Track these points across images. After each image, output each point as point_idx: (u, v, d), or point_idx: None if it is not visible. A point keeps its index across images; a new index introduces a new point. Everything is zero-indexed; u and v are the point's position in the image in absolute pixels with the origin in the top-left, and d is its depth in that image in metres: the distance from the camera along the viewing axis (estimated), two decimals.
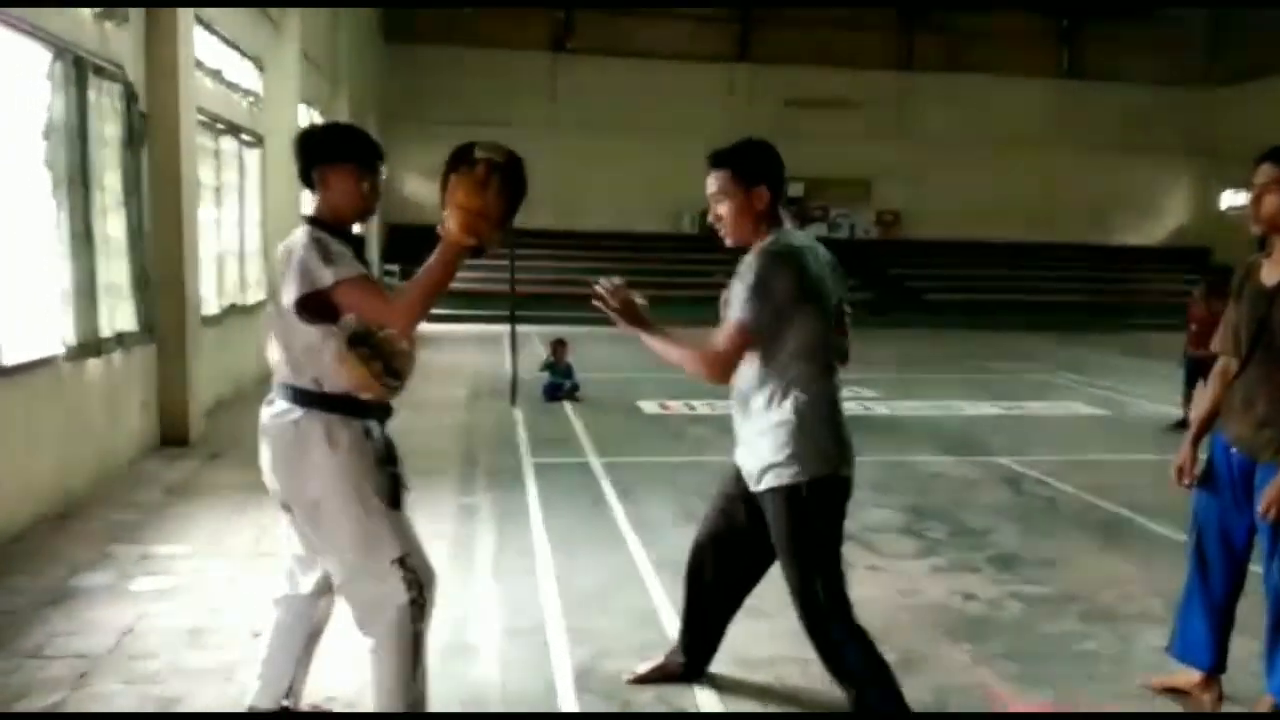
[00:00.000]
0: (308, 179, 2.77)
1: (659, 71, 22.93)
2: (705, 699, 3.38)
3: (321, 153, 2.74)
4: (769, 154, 2.99)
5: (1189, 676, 3.45)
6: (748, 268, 2.88)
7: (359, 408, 2.69)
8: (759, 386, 2.92)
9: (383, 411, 2.77)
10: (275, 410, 2.72)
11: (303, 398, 2.66)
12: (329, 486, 2.65)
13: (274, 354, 2.72)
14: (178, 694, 3.30)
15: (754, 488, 2.98)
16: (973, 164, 24.06)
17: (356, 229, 2.83)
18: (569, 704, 3.33)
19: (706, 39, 23.94)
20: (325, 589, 2.91)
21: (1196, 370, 8.45)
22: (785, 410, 2.88)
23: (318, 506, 2.68)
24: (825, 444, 2.89)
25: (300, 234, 2.67)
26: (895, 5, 24.07)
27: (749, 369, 2.93)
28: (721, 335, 2.88)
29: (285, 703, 2.97)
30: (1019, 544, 5.30)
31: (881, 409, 9.80)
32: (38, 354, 5.30)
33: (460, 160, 2.54)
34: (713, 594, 3.34)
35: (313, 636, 3.00)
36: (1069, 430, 9.10)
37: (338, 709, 3.21)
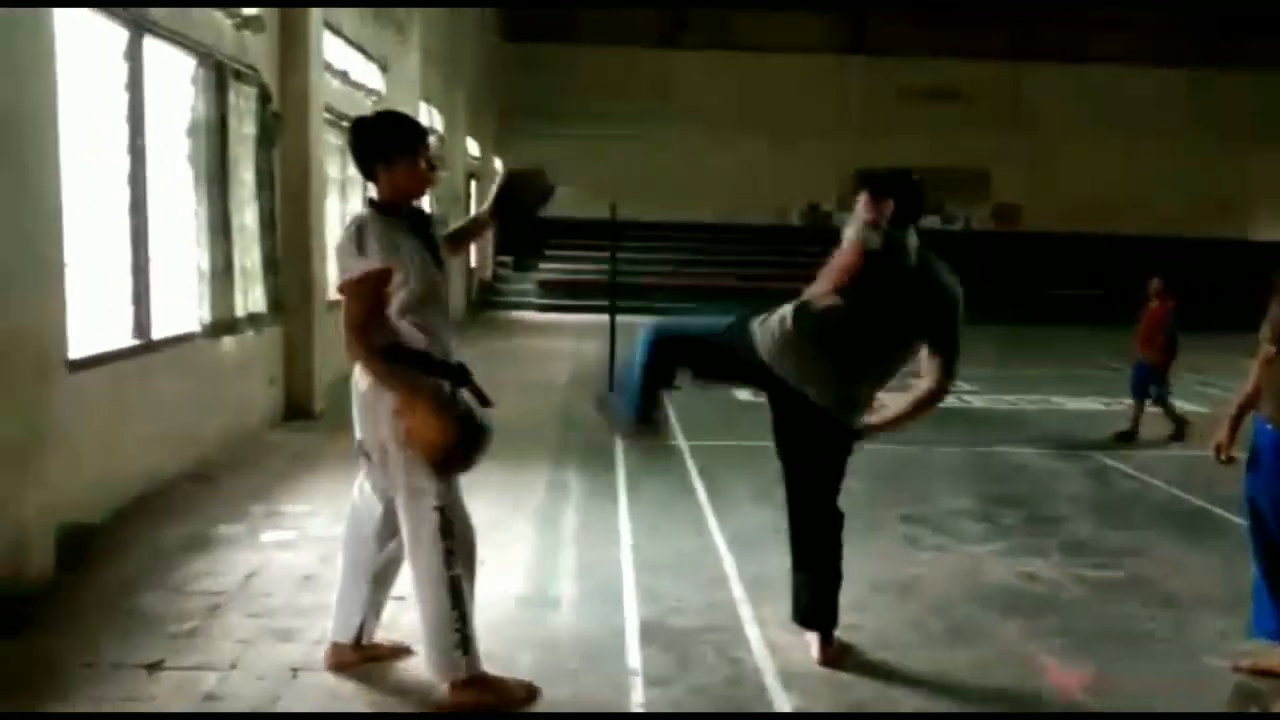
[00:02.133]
0: (369, 169, 3.09)
1: (771, 65, 22.99)
2: (761, 658, 3.65)
3: (385, 143, 3.05)
4: (919, 192, 3.53)
5: (1275, 658, 3.54)
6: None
7: (433, 366, 3.04)
8: None
9: (455, 372, 3.09)
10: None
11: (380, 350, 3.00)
12: (394, 431, 2.99)
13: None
14: (290, 627, 3.76)
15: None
16: (1096, 155, 23.32)
17: (424, 206, 3.23)
18: (634, 653, 3.65)
19: (819, 31, 23.86)
20: (388, 534, 3.26)
21: (1147, 377, 7.97)
22: None
23: (386, 450, 3.05)
24: None
25: (354, 221, 3.03)
26: None
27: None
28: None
29: (359, 639, 3.36)
30: (1092, 532, 5.38)
31: (977, 402, 9.80)
32: (179, 330, 5.92)
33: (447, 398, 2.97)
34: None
35: (379, 578, 3.35)
36: (1167, 426, 8.92)
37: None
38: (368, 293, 2.96)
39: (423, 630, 3.14)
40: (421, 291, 3.02)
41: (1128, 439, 7.88)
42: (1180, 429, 7.98)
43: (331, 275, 9.01)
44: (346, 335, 2.97)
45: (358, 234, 2.96)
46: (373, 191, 3.19)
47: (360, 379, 3.11)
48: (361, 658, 3.41)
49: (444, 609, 3.06)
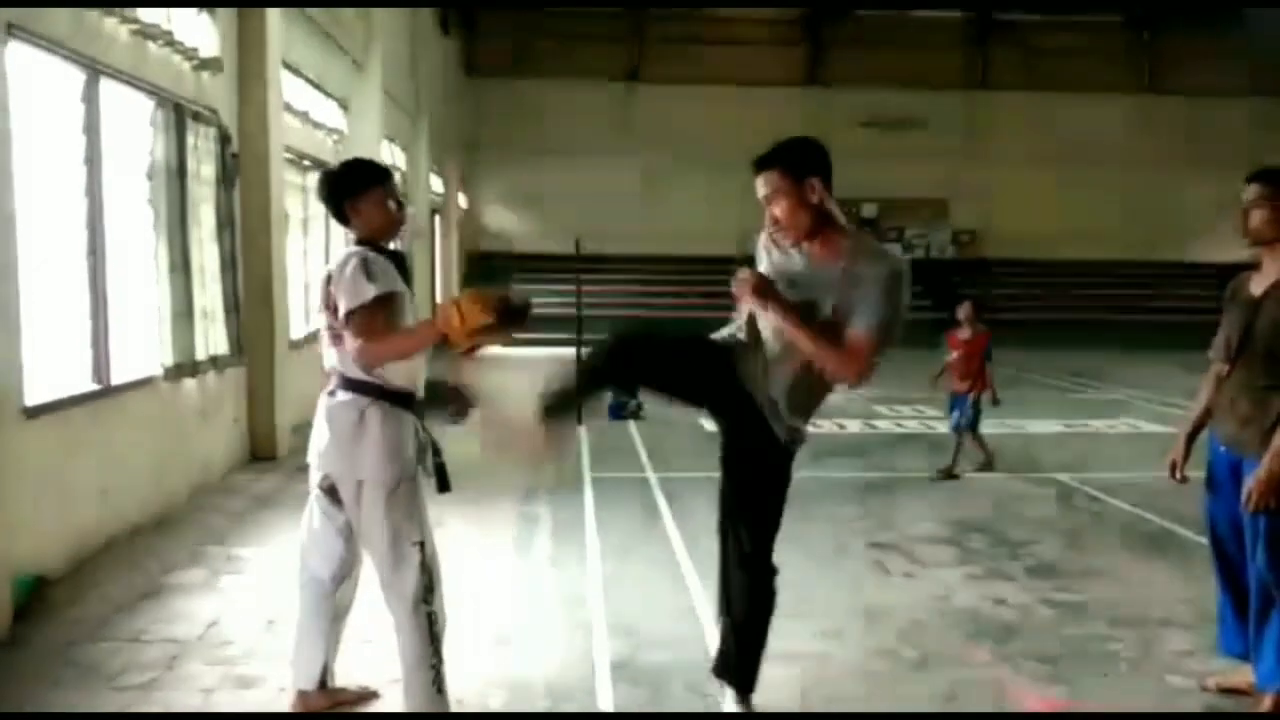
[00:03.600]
0: (340, 214, 3.19)
1: (729, 98, 23.25)
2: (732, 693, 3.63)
3: (350, 186, 3.16)
4: (813, 146, 3.04)
5: (1246, 676, 3.56)
6: (872, 268, 2.89)
7: (409, 402, 3.11)
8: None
9: (420, 408, 3.17)
10: (338, 399, 3.09)
11: (364, 388, 3.06)
12: (374, 467, 3.02)
13: (332, 356, 3.12)
14: (253, 674, 3.69)
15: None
16: (1051, 182, 23.74)
17: (396, 246, 3.25)
18: (605, 690, 3.62)
19: (776, 64, 24.21)
20: (345, 574, 3.27)
21: (964, 408, 7.39)
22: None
23: (361, 486, 3.05)
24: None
25: (350, 254, 3.06)
26: (968, 24, 24.04)
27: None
28: (861, 336, 2.89)
29: (323, 682, 3.32)
30: (1059, 555, 5.43)
31: (942, 427, 9.86)
32: (139, 374, 5.84)
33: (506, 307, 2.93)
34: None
35: (337, 617, 3.33)
36: (1130, 447, 9.07)
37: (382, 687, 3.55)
38: (379, 312, 2.99)
39: (401, 668, 3.12)
40: (406, 324, 3.11)
41: (953, 477, 7.34)
42: (990, 459, 7.62)
43: (297, 313, 8.98)
44: (366, 345, 2.97)
45: (364, 264, 3.01)
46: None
47: (333, 408, 3.10)
48: (330, 701, 3.36)
49: (423, 646, 3.06)
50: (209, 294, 6.58)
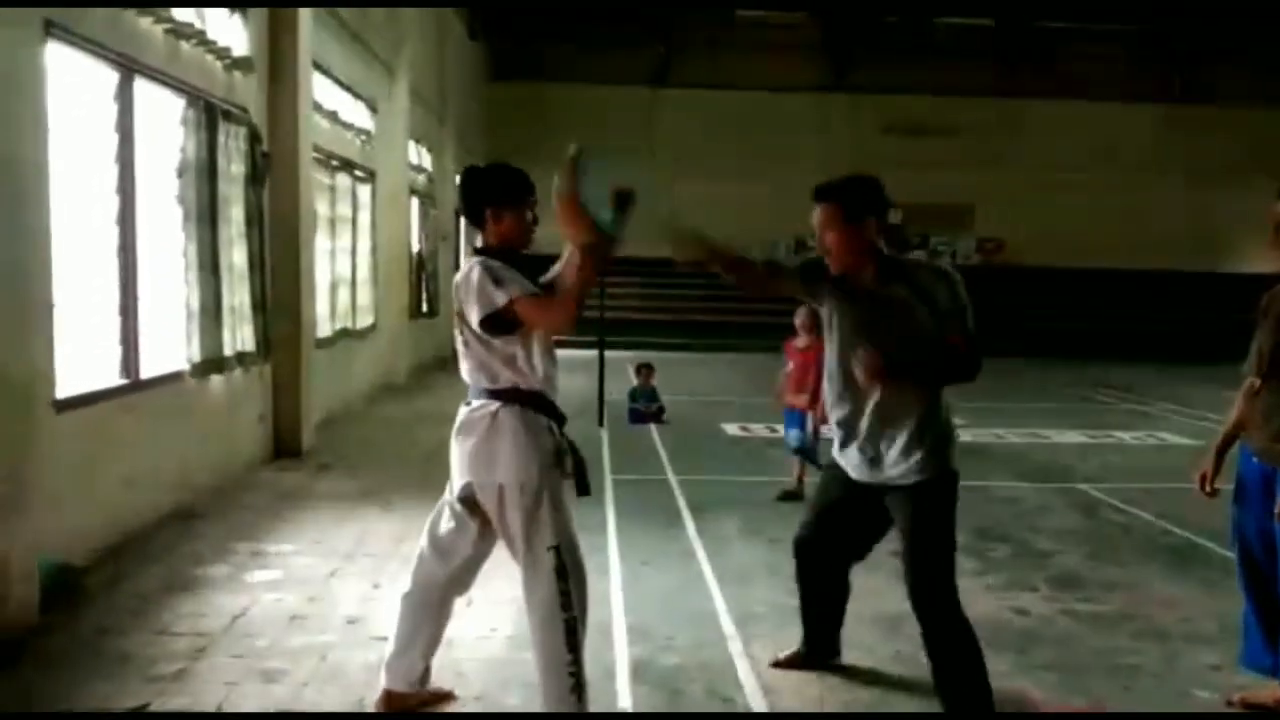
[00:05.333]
0: (477, 215, 3.18)
1: (755, 104, 23.27)
2: (753, 695, 3.64)
3: (500, 193, 3.15)
4: (872, 186, 3.28)
5: (1274, 691, 3.54)
6: (931, 279, 3.20)
7: (546, 408, 3.11)
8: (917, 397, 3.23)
9: (560, 417, 3.17)
10: (474, 407, 3.10)
11: (496, 394, 3.06)
12: (511, 469, 3.02)
13: (468, 366, 3.13)
14: (278, 668, 3.72)
15: (897, 481, 3.27)
16: (1080, 190, 23.61)
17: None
18: (624, 691, 3.63)
19: (803, 70, 24.18)
20: (461, 584, 3.29)
21: (801, 425, 6.59)
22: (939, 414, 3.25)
23: (502, 490, 3.04)
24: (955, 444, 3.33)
25: (473, 264, 3.06)
26: (997, 32, 23.92)
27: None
28: (962, 339, 3.19)
29: (416, 688, 3.35)
30: (1082, 566, 5.38)
31: (965, 436, 9.80)
32: (167, 370, 5.91)
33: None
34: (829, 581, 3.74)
35: (440, 626, 3.34)
36: (1156, 459, 8.99)
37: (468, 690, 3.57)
38: (533, 299, 3.00)
39: (538, 673, 3.11)
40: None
41: (796, 498, 6.51)
42: (799, 490, 6.61)
43: (323, 312, 9.06)
44: (545, 324, 3.02)
45: (489, 271, 3.01)
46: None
47: (471, 417, 3.10)
48: (418, 700, 3.38)
49: (560, 652, 3.04)
50: (237, 292, 6.65)
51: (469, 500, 3.17)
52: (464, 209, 3.25)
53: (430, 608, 3.30)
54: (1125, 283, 23.53)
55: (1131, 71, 24.36)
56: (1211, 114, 23.93)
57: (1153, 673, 3.93)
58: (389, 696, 3.36)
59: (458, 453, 3.15)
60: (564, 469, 3.13)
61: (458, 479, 3.18)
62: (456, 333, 3.15)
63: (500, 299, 2.96)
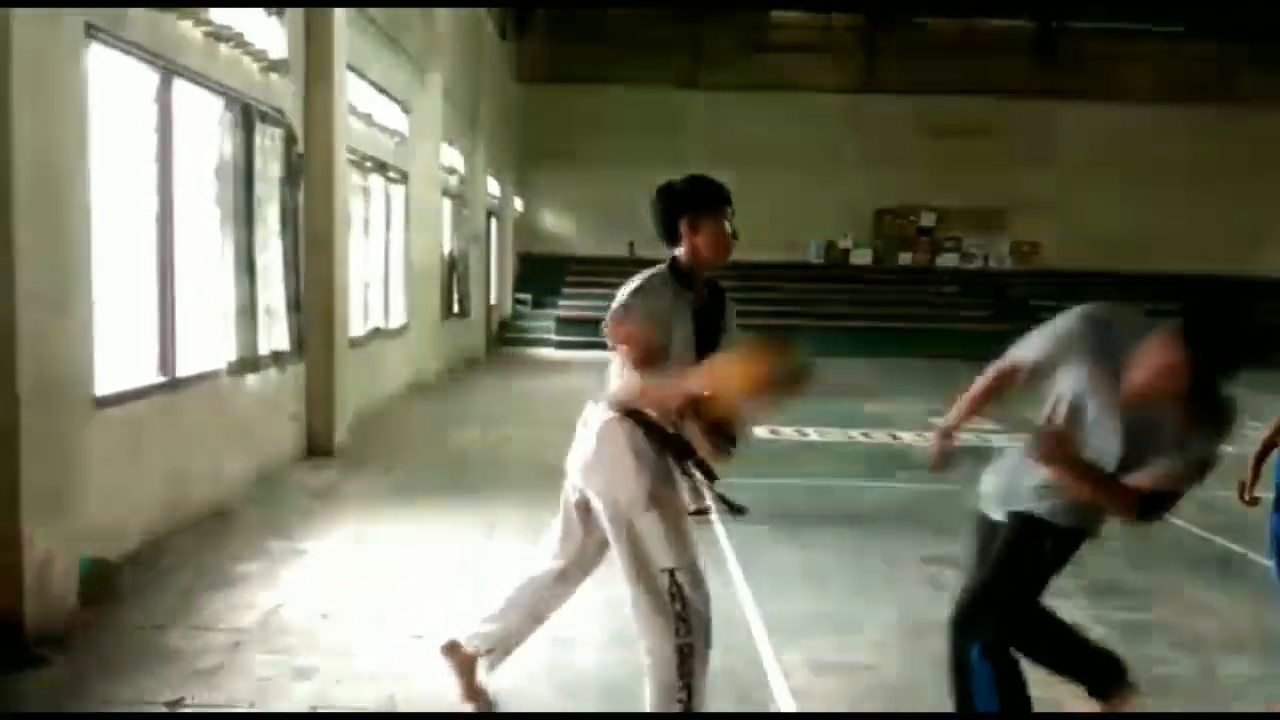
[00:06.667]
0: (672, 230, 2.99)
1: (787, 104, 23.14)
2: (784, 702, 3.62)
3: (697, 202, 2.97)
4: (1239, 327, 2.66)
5: None
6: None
7: (654, 427, 2.94)
8: None
9: (673, 440, 2.95)
10: (600, 410, 2.99)
11: (620, 404, 2.96)
12: (628, 487, 2.88)
13: (614, 365, 3.03)
14: (310, 665, 3.75)
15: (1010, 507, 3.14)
16: (1117, 193, 23.29)
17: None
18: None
19: (836, 70, 24.04)
20: (564, 583, 3.21)
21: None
22: None
23: (617, 503, 2.91)
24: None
25: (653, 270, 2.97)
26: (1034, 32, 23.70)
27: None
28: (1155, 480, 2.85)
29: (490, 650, 3.28)
30: (1120, 574, 5.31)
31: (1002, 441, 9.72)
32: (203, 368, 5.98)
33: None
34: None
35: (532, 617, 3.27)
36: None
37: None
38: (634, 342, 2.87)
39: (648, 692, 2.98)
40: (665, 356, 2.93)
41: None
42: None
43: (357, 312, 9.13)
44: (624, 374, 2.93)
45: (645, 283, 2.91)
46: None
47: (595, 419, 3.00)
48: (465, 674, 3.34)
49: (670, 678, 2.88)
50: (272, 291, 6.72)
51: (581, 505, 3.08)
52: (659, 225, 3.02)
53: (534, 590, 3.22)
54: (1163, 286, 23.20)
55: (1168, 75, 24.01)
56: (1247, 117, 23.54)
57: (1187, 682, 3.88)
58: (453, 645, 3.33)
59: (579, 450, 3.04)
60: (693, 487, 2.97)
61: (570, 478, 3.10)
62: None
63: (619, 314, 2.87)
